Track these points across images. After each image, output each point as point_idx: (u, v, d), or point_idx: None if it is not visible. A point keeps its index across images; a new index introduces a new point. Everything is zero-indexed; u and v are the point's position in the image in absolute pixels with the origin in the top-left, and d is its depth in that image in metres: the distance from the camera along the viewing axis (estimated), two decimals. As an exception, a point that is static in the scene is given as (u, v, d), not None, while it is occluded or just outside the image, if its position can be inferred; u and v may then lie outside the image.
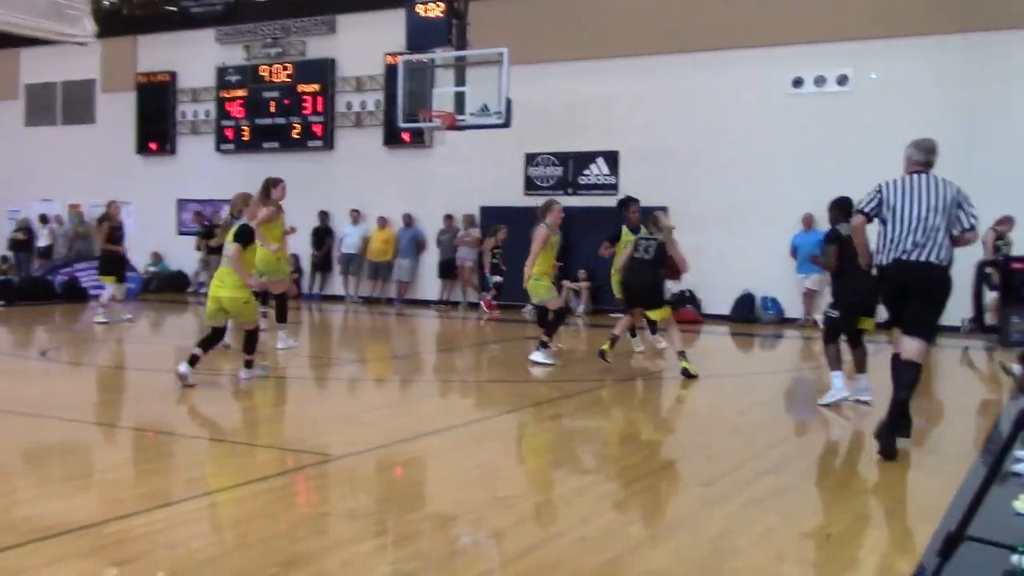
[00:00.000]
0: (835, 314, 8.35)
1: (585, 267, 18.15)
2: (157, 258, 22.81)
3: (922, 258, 6.63)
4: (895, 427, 6.46)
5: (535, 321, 12.95)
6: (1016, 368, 9.87)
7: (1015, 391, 9.37)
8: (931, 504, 5.34)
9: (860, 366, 8.55)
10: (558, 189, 18.91)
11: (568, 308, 18.07)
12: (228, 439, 7.13)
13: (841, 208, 8.45)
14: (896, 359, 6.89)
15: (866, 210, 7.12)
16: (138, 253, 22.39)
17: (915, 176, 7.23)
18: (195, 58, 22.56)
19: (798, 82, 16.95)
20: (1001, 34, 15.53)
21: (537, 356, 10.99)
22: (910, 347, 6.67)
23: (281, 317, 12.13)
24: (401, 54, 16.75)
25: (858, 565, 4.38)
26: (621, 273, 10.91)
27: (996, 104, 15.56)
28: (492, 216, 19.33)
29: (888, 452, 6.33)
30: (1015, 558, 2.89)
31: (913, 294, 6.72)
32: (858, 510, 5.30)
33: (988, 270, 2.81)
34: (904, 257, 6.68)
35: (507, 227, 17.39)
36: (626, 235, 11.92)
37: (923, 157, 7.49)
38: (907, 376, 6.61)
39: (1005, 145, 15.49)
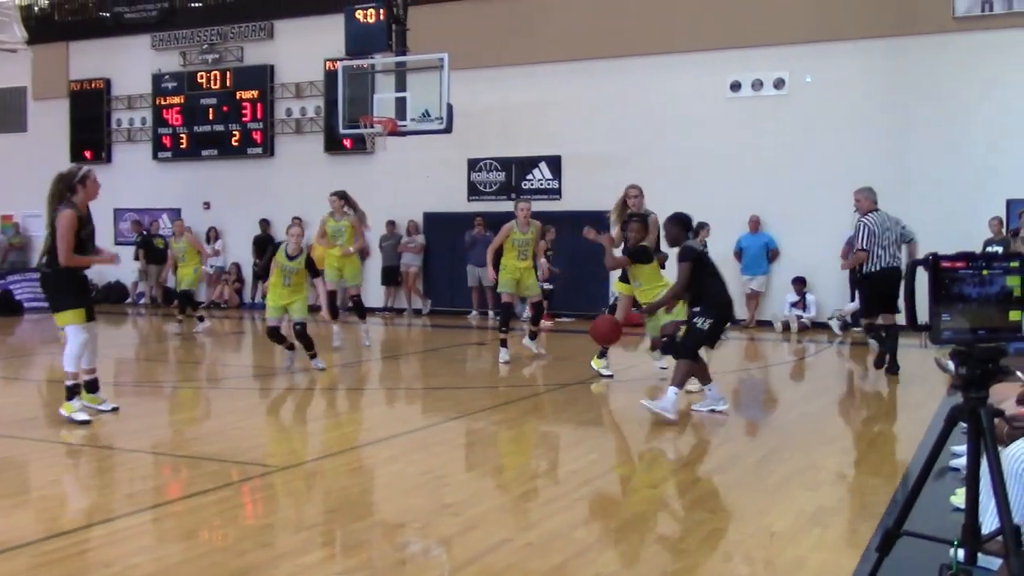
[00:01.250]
0: (706, 326, 7.96)
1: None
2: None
3: (896, 264, 10.61)
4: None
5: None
6: (951, 364, 10.08)
7: (950, 387, 9.58)
8: (873, 500, 5.44)
9: (707, 376, 8.45)
10: (501, 194, 18.93)
11: (513, 312, 18.11)
12: (169, 452, 7.02)
13: (683, 224, 8.33)
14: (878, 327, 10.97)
15: (866, 246, 10.63)
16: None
17: (879, 212, 10.94)
18: (130, 65, 22.19)
19: (736, 86, 17.17)
20: (930, 38, 15.89)
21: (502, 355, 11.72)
22: (889, 318, 10.71)
23: None
24: (341, 60, 16.66)
25: (803, 563, 4.44)
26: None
27: (926, 106, 15.91)
28: (436, 223, 19.27)
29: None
30: (951, 552, 2.94)
31: (894, 286, 10.31)
32: (802, 508, 5.38)
33: (919, 268, 2.87)
34: (892, 265, 10.58)
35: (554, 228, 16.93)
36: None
37: (875, 198, 11.14)
38: (891, 338, 10.71)
39: (934, 146, 15.84)
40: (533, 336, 12.52)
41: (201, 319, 15.84)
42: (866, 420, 8.81)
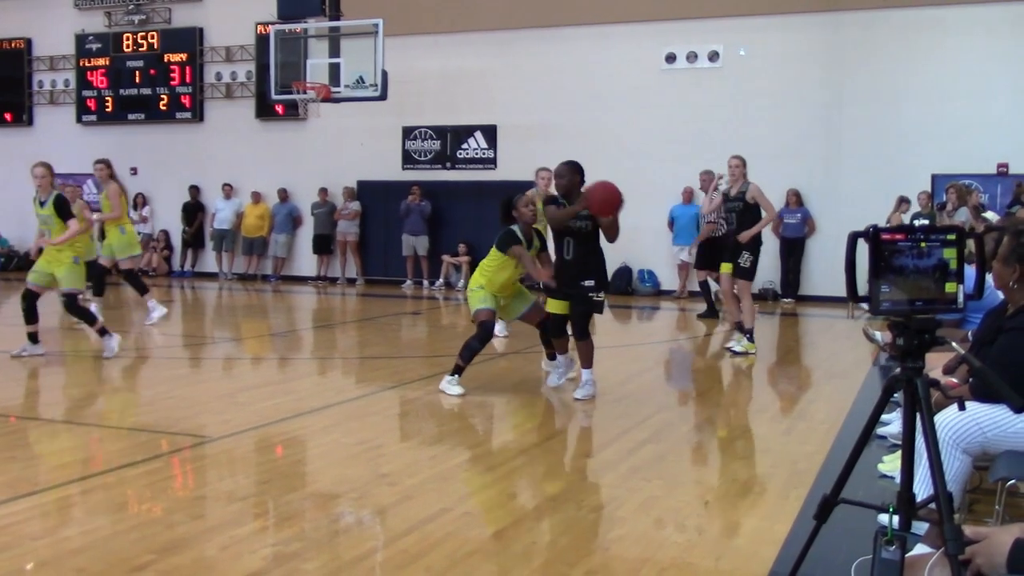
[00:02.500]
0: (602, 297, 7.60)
1: (464, 241, 18.14)
2: None
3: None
4: None
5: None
6: (878, 335, 10.32)
7: (876, 356, 9.80)
8: (803, 468, 5.54)
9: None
10: (436, 163, 18.80)
11: (448, 283, 18.07)
12: (98, 423, 6.86)
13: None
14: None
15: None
16: (-6, 230, 21.39)
17: None
18: (52, 24, 21.47)
19: (671, 58, 17.24)
20: (865, 13, 16.12)
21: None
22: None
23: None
24: (272, 24, 16.33)
25: (736, 529, 4.51)
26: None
27: (860, 81, 16.16)
28: (370, 191, 19.09)
29: None
30: (883, 517, 3.00)
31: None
32: (734, 476, 5.46)
33: (859, 240, 2.89)
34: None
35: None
36: None
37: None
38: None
39: (866, 120, 16.11)
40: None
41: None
42: (796, 389, 8.97)
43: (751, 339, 10.32)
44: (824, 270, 16.18)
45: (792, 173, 16.31)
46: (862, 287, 2.87)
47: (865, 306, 2.92)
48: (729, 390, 8.64)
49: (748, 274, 10.28)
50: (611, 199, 7.37)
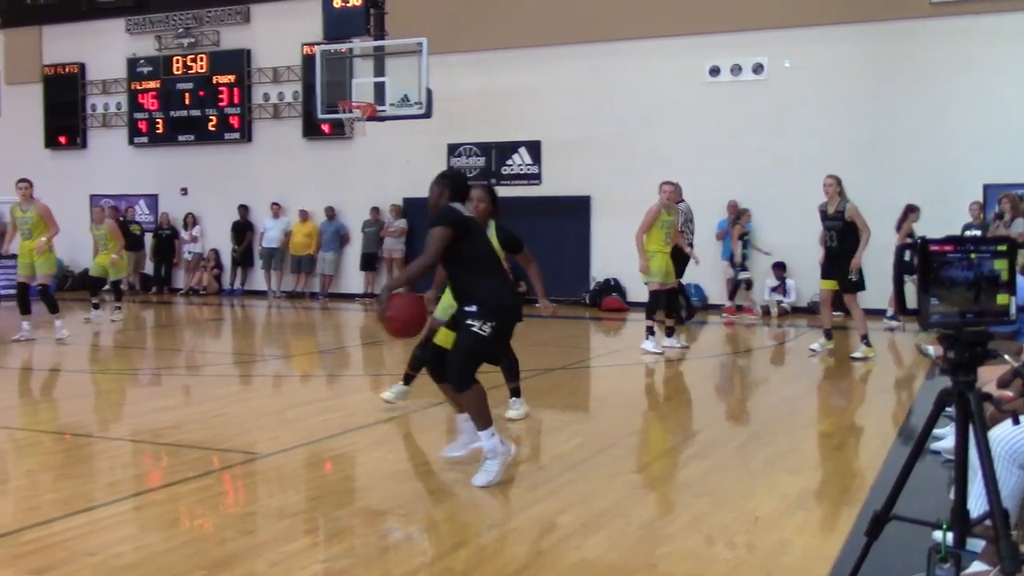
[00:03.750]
0: (487, 330, 5.45)
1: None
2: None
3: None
4: None
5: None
6: (930, 349, 10.17)
7: (931, 371, 9.65)
8: (855, 484, 5.47)
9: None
10: (481, 179, 18.86)
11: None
12: (150, 440, 6.96)
13: (457, 184, 5.87)
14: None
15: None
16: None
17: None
18: (104, 49, 21.94)
19: (715, 71, 17.18)
20: (910, 23, 15.95)
21: (670, 342, 11.48)
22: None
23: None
24: (318, 44, 16.54)
25: (786, 546, 4.45)
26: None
27: (903, 91, 15.97)
28: (415, 208, 19.20)
29: None
30: (937, 534, 2.95)
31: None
32: (784, 492, 5.39)
33: (907, 253, 2.86)
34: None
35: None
36: None
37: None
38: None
39: (912, 131, 15.91)
40: (671, 332, 11.75)
41: (96, 306, 14.96)
42: (846, 404, 8.85)
43: (868, 343, 10.95)
44: (874, 282, 15.95)
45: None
46: (911, 300, 2.83)
47: (895, 320, 2.89)
48: (778, 405, 8.55)
49: (857, 287, 11.03)
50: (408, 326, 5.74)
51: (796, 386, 9.61)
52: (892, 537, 3.30)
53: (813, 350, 11.37)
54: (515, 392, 7.58)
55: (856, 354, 10.96)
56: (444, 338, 5.97)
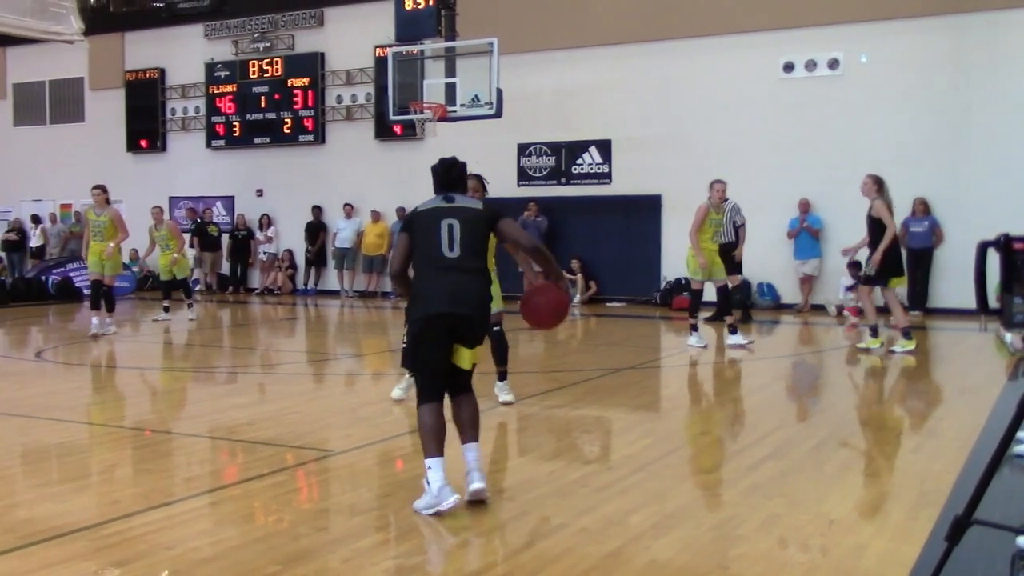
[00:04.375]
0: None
1: (579, 257, 18.15)
2: (133, 256, 22.41)
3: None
4: None
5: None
6: (1008, 337, 9.91)
7: (1013, 372, 9.37)
8: (933, 488, 5.33)
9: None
10: (551, 179, 18.88)
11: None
12: (226, 437, 7.10)
13: (435, 174, 5.54)
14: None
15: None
16: (135, 251, 22.40)
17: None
18: (183, 54, 22.47)
19: (789, 67, 16.92)
20: (989, 15, 15.53)
21: (691, 340, 11.81)
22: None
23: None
24: (390, 46, 16.69)
25: (863, 550, 4.36)
26: None
27: (985, 86, 15.55)
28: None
29: None
30: (1021, 540, 2.86)
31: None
32: (860, 495, 5.29)
33: (990, 250, 2.78)
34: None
35: None
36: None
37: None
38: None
39: (993, 127, 15.47)
40: (734, 329, 11.90)
41: (166, 309, 15.40)
42: (924, 405, 8.65)
43: (908, 336, 11.20)
44: (953, 281, 15.57)
45: (918, 181, 15.77)
46: (994, 299, 2.75)
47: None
48: (853, 406, 8.38)
49: (875, 280, 11.12)
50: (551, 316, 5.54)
51: (872, 387, 9.41)
52: (973, 542, 3.21)
53: (893, 351, 11.30)
54: (502, 376, 7.89)
55: (896, 348, 11.21)
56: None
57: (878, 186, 11.14)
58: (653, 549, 4.38)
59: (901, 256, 11.50)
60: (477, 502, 4.99)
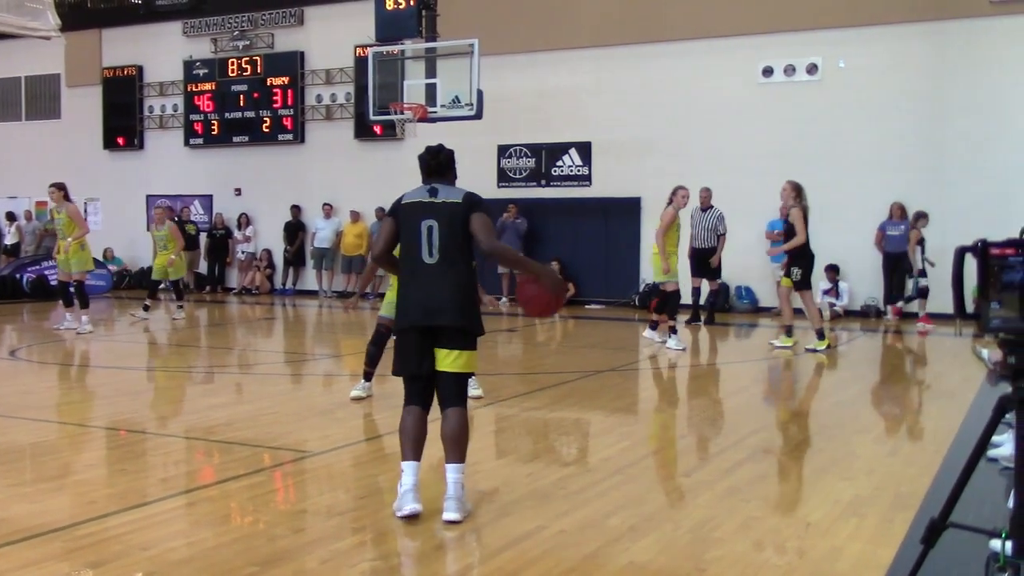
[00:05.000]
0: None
1: (558, 259, 18.17)
2: (108, 255, 22.32)
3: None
4: None
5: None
6: (985, 352, 9.99)
7: (989, 377, 9.46)
8: (908, 491, 5.37)
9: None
10: (531, 181, 18.89)
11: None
12: (202, 437, 7.05)
13: (422, 162, 5.59)
14: None
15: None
16: (109, 249, 22.24)
17: None
18: (162, 52, 22.33)
19: (768, 71, 17.02)
20: (967, 22, 15.68)
21: (650, 334, 12.35)
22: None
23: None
24: (371, 46, 16.66)
25: (838, 553, 4.39)
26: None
27: (963, 92, 15.69)
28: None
29: None
30: (995, 543, 2.89)
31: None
32: (837, 497, 5.32)
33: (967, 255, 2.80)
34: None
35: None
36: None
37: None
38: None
39: (971, 132, 15.62)
40: (655, 326, 12.48)
41: (146, 308, 15.29)
42: (900, 409, 8.71)
43: (822, 336, 11.79)
44: (930, 285, 15.69)
45: (895, 186, 15.91)
46: (971, 304, 2.78)
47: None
48: (830, 409, 8.44)
49: (802, 285, 11.80)
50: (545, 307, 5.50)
51: (849, 391, 9.48)
52: (948, 546, 3.24)
53: (773, 344, 12.16)
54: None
55: (809, 346, 11.81)
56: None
57: (796, 193, 11.67)
58: (631, 551, 4.39)
59: (813, 263, 12.01)
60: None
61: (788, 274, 11.78)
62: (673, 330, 11.97)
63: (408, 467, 4.85)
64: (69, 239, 13.16)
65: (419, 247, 4.98)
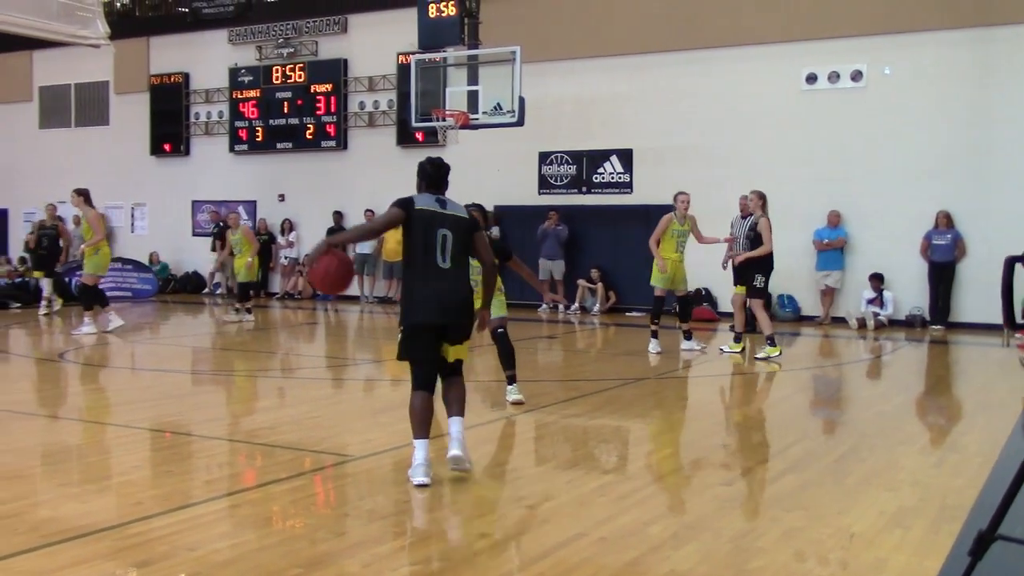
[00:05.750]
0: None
1: (599, 266, 18.14)
2: (154, 259, 22.67)
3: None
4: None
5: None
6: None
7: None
8: (955, 503, 5.29)
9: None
10: (572, 188, 18.88)
11: (584, 307, 18.08)
12: (246, 440, 7.13)
13: (422, 171, 6.28)
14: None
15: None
16: (155, 253, 22.60)
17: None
18: (208, 59, 22.62)
19: (812, 78, 16.87)
20: (1013, 28, 15.43)
21: (687, 344, 12.39)
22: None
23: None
24: (413, 53, 16.76)
25: (883, 565, 4.34)
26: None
27: (1009, 98, 15.46)
28: (506, 216, 19.25)
29: None
30: (1045, 558, 2.84)
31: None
32: (881, 508, 5.26)
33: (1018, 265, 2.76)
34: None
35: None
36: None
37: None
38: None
39: (1017, 140, 15.38)
40: (689, 335, 12.46)
41: (249, 311, 15.88)
42: (946, 420, 8.60)
43: (773, 343, 11.71)
44: (976, 295, 15.48)
45: (941, 194, 15.70)
46: (1020, 314, 2.74)
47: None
48: (875, 419, 8.34)
49: (760, 294, 11.92)
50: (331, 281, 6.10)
51: (894, 401, 9.36)
52: (996, 558, 3.19)
53: (722, 350, 12.34)
54: (511, 380, 8.35)
55: (759, 355, 11.70)
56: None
57: (763, 202, 11.91)
58: (672, 560, 4.37)
59: (771, 272, 12.06)
60: (460, 473, 5.68)
61: (751, 282, 11.85)
62: (654, 334, 12.25)
63: (420, 444, 5.60)
64: (82, 246, 13.86)
65: (435, 253, 5.70)
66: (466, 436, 5.82)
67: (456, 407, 5.79)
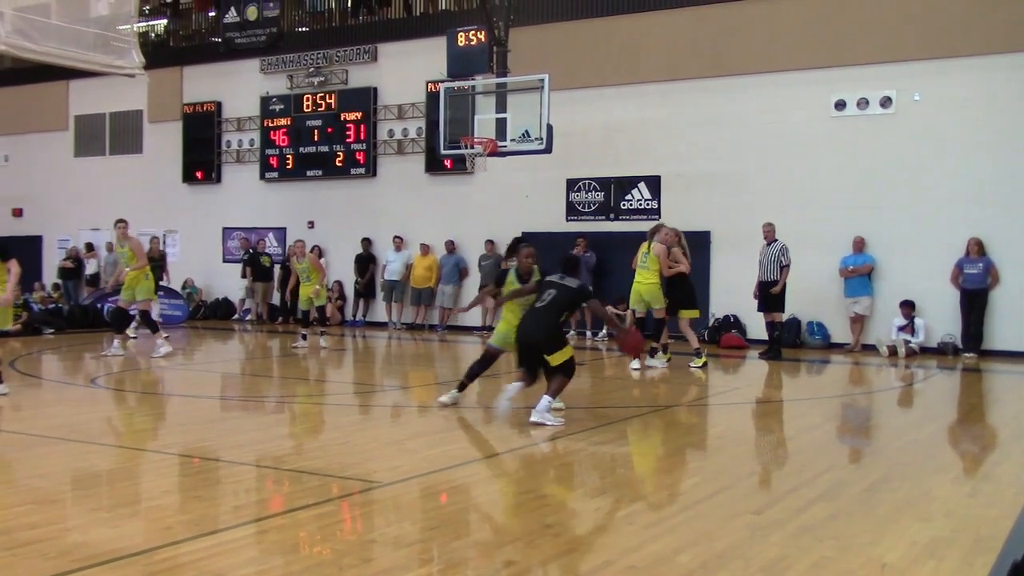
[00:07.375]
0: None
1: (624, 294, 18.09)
2: (188, 283, 22.93)
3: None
4: None
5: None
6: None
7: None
8: (989, 533, 5.22)
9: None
10: (600, 215, 18.89)
11: (611, 334, 18.00)
12: (274, 466, 7.16)
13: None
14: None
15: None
16: (189, 279, 22.81)
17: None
18: (240, 88, 22.92)
19: (840, 105, 16.82)
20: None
21: (633, 365, 13.24)
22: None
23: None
24: (442, 82, 16.89)
25: (915, 596, 4.28)
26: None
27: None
28: (534, 242, 19.19)
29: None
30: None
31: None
32: (913, 539, 5.19)
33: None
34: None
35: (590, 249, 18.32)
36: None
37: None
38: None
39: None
40: (654, 352, 13.55)
41: (304, 337, 16.26)
42: (980, 449, 8.48)
43: (700, 355, 13.43)
44: (1010, 323, 15.31)
45: (973, 221, 15.57)
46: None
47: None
48: (906, 448, 8.24)
49: (672, 311, 13.57)
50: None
51: (926, 429, 9.25)
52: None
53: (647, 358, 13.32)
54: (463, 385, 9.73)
55: (692, 365, 13.13)
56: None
57: (678, 237, 13.58)
58: (700, 589, 4.33)
59: (693, 291, 13.75)
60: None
61: (684, 304, 13.51)
62: (653, 352, 13.51)
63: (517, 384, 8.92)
64: (126, 270, 14.27)
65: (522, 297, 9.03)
66: (546, 406, 8.40)
67: (552, 387, 8.60)
